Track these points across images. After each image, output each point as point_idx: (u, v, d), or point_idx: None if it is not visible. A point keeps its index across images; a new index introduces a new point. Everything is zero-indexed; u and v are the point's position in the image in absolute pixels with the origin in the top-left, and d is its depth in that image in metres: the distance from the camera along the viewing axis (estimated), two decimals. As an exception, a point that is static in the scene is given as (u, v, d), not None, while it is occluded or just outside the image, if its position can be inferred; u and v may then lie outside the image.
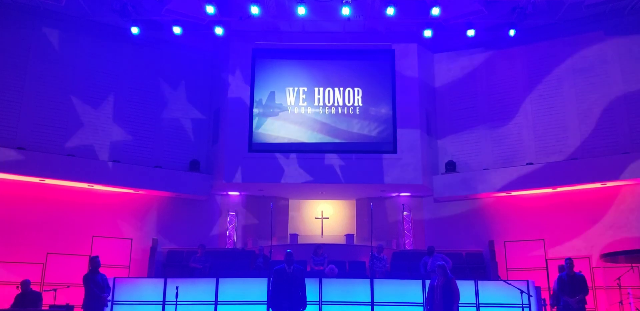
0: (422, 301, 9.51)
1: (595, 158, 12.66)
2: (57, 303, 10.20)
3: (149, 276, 12.57)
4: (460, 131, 14.58)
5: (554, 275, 11.40)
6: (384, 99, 14.28)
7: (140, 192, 13.64)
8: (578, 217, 12.96)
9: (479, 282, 9.72)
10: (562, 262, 10.77)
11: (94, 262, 8.73)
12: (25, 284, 9.60)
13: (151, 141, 14.12)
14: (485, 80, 14.56)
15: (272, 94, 14.34)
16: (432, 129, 14.66)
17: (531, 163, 13.39)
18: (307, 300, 8.12)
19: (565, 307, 8.69)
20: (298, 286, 7.98)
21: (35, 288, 10.07)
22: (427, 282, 9.24)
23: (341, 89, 14.41)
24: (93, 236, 12.87)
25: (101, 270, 9.01)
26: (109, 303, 9.52)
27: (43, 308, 9.52)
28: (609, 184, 12.57)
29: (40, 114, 12.86)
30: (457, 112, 14.70)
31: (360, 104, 14.30)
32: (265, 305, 9.18)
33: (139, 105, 14.13)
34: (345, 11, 12.79)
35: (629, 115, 12.83)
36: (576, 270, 9.15)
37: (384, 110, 14.24)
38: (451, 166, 14.27)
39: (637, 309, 10.43)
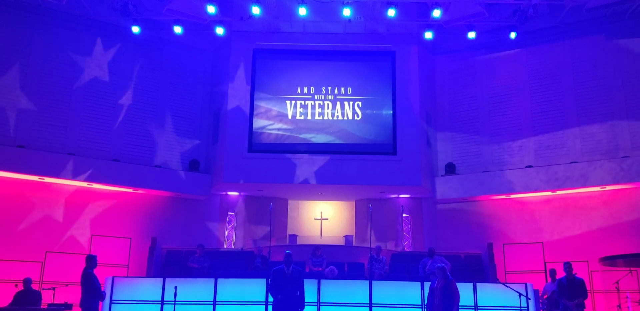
0: (420, 303, 9.51)
1: (595, 161, 12.67)
2: (56, 301, 10.20)
3: (148, 275, 12.57)
4: (460, 133, 14.59)
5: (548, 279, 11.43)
6: (384, 101, 14.28)
7: (139, 191, 13.64)
8: (577, 220, 12.97)
9: (478, 284, 9.72)
10: (558, 266, 10.84)
11: (92, 261, 8.69)
12: (27, 282, 9.61)
13: (151, 140, 14.12)
14: (486, 82, 14.57)
15: (272, 93, 14.35)
16: (432, 131, 14.67)
17: (531, 166, 13.40)
18: (306, 300, 8.11)
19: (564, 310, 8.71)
20: (297, 287, 7.95)
21: (34, 286, 10.07)
22: (426, 284, 9.24)
23: (342, 90, 14.42)
24: (92, 235, 12.88)
25: (100, 269, 9.00)
26: (108, 302, 9.54)
27: (42, 306, 9.52)
28: (609, 187, 12.59)
29: (40, 112, 12.85)
30: (457, 114, 14.71)
31: (360, 106, 14.30)
32: (263, 306, 9.19)
33: (140, 104, 14.12)
34: (346, 12, 12.80)
35: (629, 118, 12.84)
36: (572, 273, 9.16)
37: (384, 111, 14.24)
38: (451, 168, 14.28)
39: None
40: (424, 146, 14.14)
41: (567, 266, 8.91)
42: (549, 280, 10.90)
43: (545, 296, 10.49)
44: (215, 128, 14.48)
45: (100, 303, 8.68)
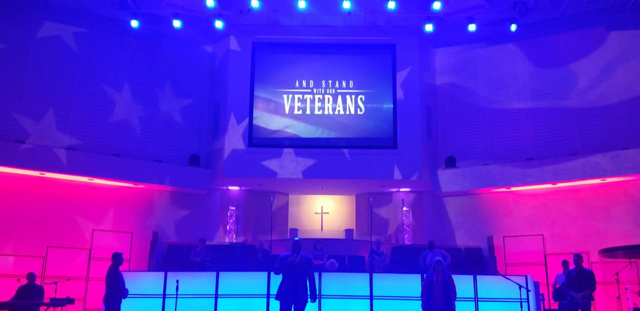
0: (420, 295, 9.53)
1: (595, 153, 12.67)
2: (58, 296, 10.25)
3: (150, 269, 12.62)
4: (460, 126, 14.58)
5: (553, 270, 11.46)
6: (385, 94, 14.26)
7: (140, 186, 13.66)
8: (577, 212, 13.00)
9: (478, 277, 9.75)
10: (561, 257, 10.85)
11: (118, 258, 8.69)
12: (30, 276, 9.65)
13: (151, 135, 14.12)
14: (486, 75, 14.54)
15: (272, 88, 14.33)
16: (432, 124, 14.65)
17: (531, 159, 13.41)
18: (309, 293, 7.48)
19: (571, 302, 8.73)
20: (306, 274, 7.44)
21: (35, 281, 10.09)
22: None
23: (342, 83, 14.39)
24: (93, 230, 12.90)
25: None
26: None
27: (44, 301, 9.57)
28: (609, 179, 12.60)
29: (40, 107, 12.85)
30: (458, 107, 14.70)
31: (361, 99, 14.28)
32: (265, 298, 9.22)
33: (139, 99, 14.11)
34: (346, 5, 12.77)
35: (629, 110, 12.84)
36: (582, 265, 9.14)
37: (385, 105, 14.22)
38: (451, 162, 14.28)
39: (634, 304, 10.47)
40: (425, 139, 14.14)
41: (577, 258, 8.89)
42: (562, 270, 10.89)
43: (557, 286, 10.53)
44: (215, 122, 14.47)
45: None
